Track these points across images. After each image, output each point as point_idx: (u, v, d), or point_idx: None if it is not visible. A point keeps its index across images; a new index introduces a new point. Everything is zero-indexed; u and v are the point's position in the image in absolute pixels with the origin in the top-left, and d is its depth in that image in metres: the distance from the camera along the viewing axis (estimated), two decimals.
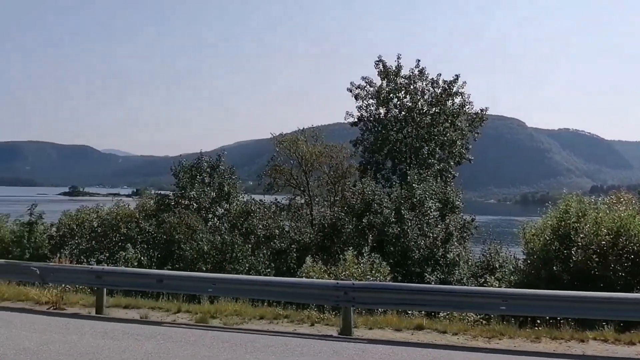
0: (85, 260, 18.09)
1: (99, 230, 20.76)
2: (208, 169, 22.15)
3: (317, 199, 23.92)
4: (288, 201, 25.03)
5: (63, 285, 9.74)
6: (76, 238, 20.37)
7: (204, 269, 15.25)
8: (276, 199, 24.64)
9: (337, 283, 8.28)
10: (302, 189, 24.77)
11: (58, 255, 11.42)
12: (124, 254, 16.64)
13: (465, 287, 12.73)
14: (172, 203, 21.86)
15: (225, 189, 21.67)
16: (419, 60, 25.97)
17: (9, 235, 20.39)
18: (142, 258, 16.57)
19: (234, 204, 21.29)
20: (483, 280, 15.29)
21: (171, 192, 22.49)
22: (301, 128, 26.37)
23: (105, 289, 9.09)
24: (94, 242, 20.54)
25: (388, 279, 12.69)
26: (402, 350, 6.92)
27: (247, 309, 9.46)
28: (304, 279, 10.70)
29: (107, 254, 19.57)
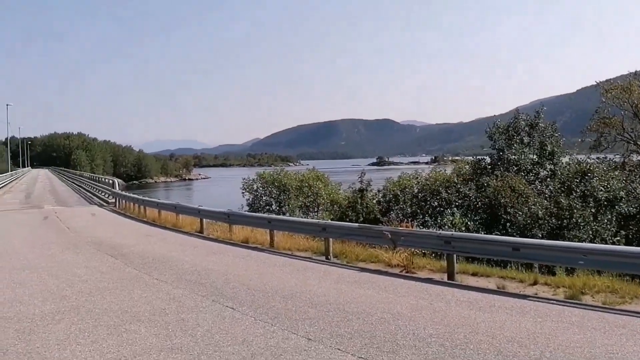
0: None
1: (420, 196, 21.41)
2: (526, 128, 20.34)
3: None
4: (622, 159, 21.50)
5: (412, 249, 9.88)
6: (400, 203, 21.47)
7: (539, 235, 13.94)
8: (605, 156, 21.37)
9: None
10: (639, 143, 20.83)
11: (406, 220, 11.73)
12: (451, 218, 16.59)
13: None
14: (489, 167, 21.00)
15: (548, 148, 19.55)
16: None
17: (344, 201, 22.85)
18: (469, 223, 16.21)
19: (559, 164, 19.11)
20: None
21: (487, 156, 21.58)
22: (632, 71, 22.02)
23: (455, 255, 8.79)
24: (415, 206, 21.33)
25: None
26: None
27: (620, 285, 7.93)
28: None
29: (428, 218, 20.05)
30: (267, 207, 25.74)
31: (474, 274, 9.31)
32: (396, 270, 9.78)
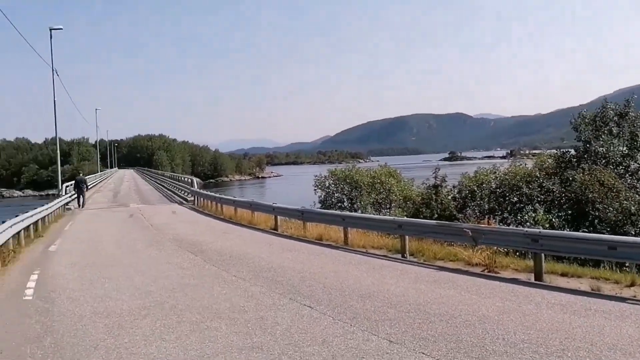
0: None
1: (498, 192, 20.51)
2: (615, 118, 18.94)
3: None
4: None
5: (494, 247, 9.42)
6: (477, 199, 20.68)
7: (632, 232, 12.90)
8: None
9: None
10: None
11: (487, 217, 11.25)
12: (533, 215, 15.75)
13: None
14: (575, 160, 19.78)
15: None
16: None
17: (417, 198, 22.34)
18: (553, 220, 15.30)
19: None
20: None
21: (571, 148, 20.33)
22: None
23: (543, 254, 8.26)
24: (493, 202, 20.46)
25: None
26: None
27: None
28: None
29: (507, 214, 19.19)
30: (339, 204, 25.67)
31: (563, 274, 8.73)
32: (477, 270, 9.36)
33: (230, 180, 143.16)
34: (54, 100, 32.55)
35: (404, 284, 8.19)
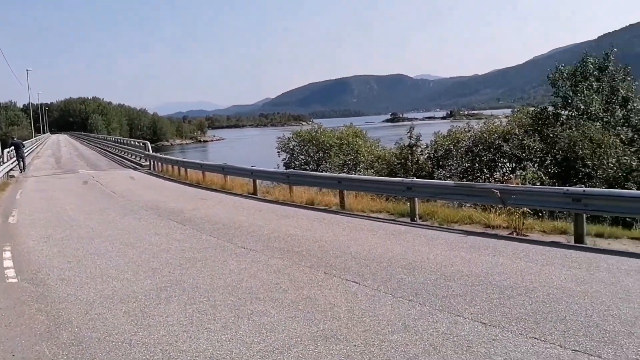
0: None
1: (475, 150, 20.21)
2: (595, 72, 18.85)
3: None
4: None
5: (524, 208, 8.84)
6: (454, 158, 20.31)
7: (634, 189, 12.77)
8: None
9: None
10: None
11: (514, 176, 10.66)
12: (523, 173, 15.46)
13: None
14: (552, 116, 19.69)
15: (621, 93, 18.11)
16: None
17: (392, 158, 21.72)
18: (543, 177, 15.05)
19: (634, 110, 17.74)
20: None
21: (549, 104, 20.19)
22: None
23: (585, 215, 7.72)
24: (469, 161, 20.16)
25: None
26: None
27: None
28: None
29: (485, 174, 19.00)
30: (305, 167, 24.79)
31: (597, 235, 8.26)
32: (503, 232, 8.76)
33: (172, 144, 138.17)
34: None
35: (440, 252, 7.45)
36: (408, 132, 21.27)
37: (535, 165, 17.53)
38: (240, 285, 6.14)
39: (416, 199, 10.30)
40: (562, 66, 19.67)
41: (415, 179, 10.57)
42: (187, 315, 5.18)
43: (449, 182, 10.83)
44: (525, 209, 8.86)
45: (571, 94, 18.72)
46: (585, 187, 12.18)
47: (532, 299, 5.24)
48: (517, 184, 9.31)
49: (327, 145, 26.25)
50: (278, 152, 27.62)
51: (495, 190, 8.64)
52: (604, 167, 13.98)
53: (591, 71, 18.67)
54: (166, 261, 7.49)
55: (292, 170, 14.90)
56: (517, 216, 8.75)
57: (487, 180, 17.18)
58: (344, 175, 13.06)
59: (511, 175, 15.69)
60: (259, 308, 5.31)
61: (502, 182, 9.78)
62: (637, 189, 12.53)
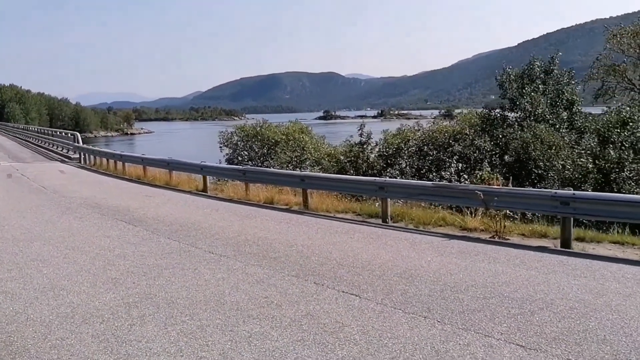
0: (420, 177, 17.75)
1: (425, 149, 20.15)
2: (541, 75, 19.29)
3: None
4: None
5: (504, 211, 8.54)
6: (404, 157, 20.15)
7: (590, 191, 12.96)
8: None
9: None
10: None
11: (494, 176, 10.36)
12: (480, 173, 15.39)
13: None
14: (498, 117, 20.03)
15: (566, 96, 18.62)
16: None
17: (341, 156, 21.24)
18: (498, 177, 15.03)
19: (578, 113, 18.33)
20: None
21: (497, 107, 20.53)
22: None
23: (572, 218, 7.50)
24: (417, 160, 20.09)
25: None
26: None
27: None
28: None
29: (427, 171, 19.06)
30: (248, 163, 23.89)
31: (578, 239, 8.10)
32: (484, 236, 8.46)
33: (95, 136, 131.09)
34: None
35: (431, 258, 6.96)
36: (359, 129, 20.90)
37: (487, 165, 17.66)
38: (224, 300, 5.33)
39: (388, 199, 9.82)
40: (509, 68, 19.99)
41: (388, 178, 10.07)
42: (172, 339, 4.33)
43: (426, 182, 10.40)
44: (506, 211, 8.57)
45: (518, 95, 19.04)
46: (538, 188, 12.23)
47: (557, 314, 4.81)
48: (499, 185, 9.00)
49: (273, 141, 25.49)
50: (220, 147, 26.54)
51: (479, 192, 8.29)
52: (555, 168, 14.16)
53: (537, 74, 19.08)
54: (126, 269, 6.51)
55: (249, 166, 14.03)
56: (498, 219, 8.45)
57: (435, 180, 17.14)
58: (308, 173, 12.42)
59: (492, 176, 15.71)
60: (255, 329, 4.54)
61: (485, 183, 9.45)
62: (592, 191, 12.71)
